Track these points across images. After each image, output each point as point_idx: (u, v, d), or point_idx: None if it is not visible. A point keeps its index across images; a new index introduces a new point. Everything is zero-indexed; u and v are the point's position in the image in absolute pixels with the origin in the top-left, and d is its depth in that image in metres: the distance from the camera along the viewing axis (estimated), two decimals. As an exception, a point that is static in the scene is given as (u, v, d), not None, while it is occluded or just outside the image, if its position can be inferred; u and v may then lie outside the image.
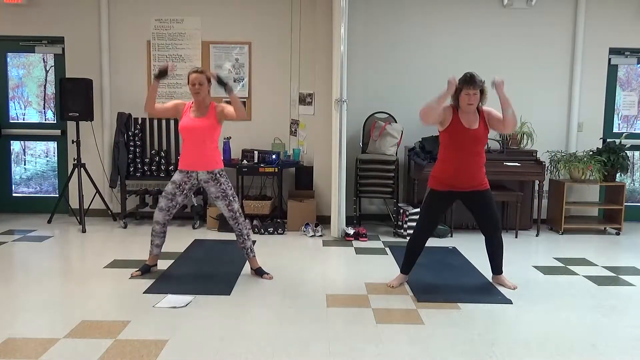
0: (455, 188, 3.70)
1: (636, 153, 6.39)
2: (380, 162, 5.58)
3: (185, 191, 3.91)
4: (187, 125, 3.85)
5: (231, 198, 3.92)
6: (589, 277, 4.15)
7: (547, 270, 4.34)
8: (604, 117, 6.20)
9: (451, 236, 5.45)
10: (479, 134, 3.64)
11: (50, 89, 6.30)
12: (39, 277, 3.97)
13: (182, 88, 6.04)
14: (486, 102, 3.73)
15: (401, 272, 3.93)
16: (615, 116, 6.34)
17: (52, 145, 6.36)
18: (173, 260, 4.40)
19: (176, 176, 3.91)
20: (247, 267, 4.16)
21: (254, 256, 4.06)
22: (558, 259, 4.68)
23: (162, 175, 5.83)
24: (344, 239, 5.26)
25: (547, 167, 5.80)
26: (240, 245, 4.02)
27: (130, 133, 5.87)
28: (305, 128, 6.02)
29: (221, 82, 3.78)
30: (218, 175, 3.89)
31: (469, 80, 3.56)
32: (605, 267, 4.45)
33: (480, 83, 3.59)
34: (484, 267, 4.22)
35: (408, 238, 4.04)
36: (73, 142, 5.63)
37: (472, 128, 3.63)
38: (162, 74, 3.84)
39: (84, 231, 5.43)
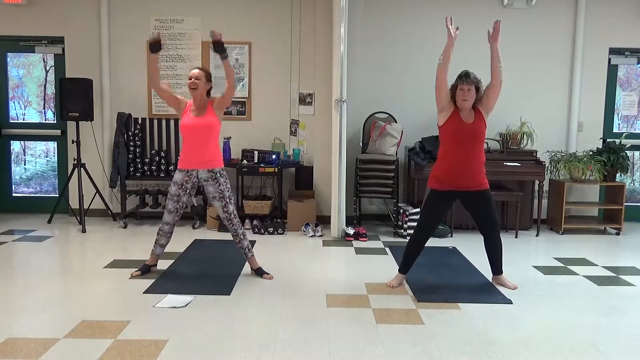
0: (455, 187, 3.71)
1: (636, 153, 6.39)
2: (380, 162, 5.58)
3: (188, 190, 3.94)
4: (187, 124, 3.87)
5: (227, 200, 3.93)
6: (589, 277, 4.15)
7: (547, 270, 4.34)
8: (604, 117, 6.21)
9: (451, 236, 5.45)
10: (476, 128, 3.68)
11: (50, 89, 6.30)
12: (39, 277, 3.97)
13: (182, 88, 6.04)
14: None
15: (399, 271, 3.93)
16: (615, 116, 6.34)
17: (52, 145, 6.36)
18: (173, 260, 4.40)
19: (177, 176, 3.92)
20: (247, 267, 4.17)
21: (253, 255, 4.07)
22: (558, 259, 4.69)
23: (162, 175, 5.83)
24: (344, 239, 5.26)
25: (547, 167, 5.80)
26: (237, 245, 4.04)
27: (130, 133, 5.87)
28: (305, 128, 6.02)
29: (220, 47, 3.73)
30: (218, 175, 3.90)
31: (463, 76, 3.65)
32: (605, 267, 4.45)
33: (475, 79, 3.65)
34: (484, 267, 4.22)
35: (408, 238, 4.04)
36: (73, 142, 5.63)
37: (469, 122, 3.67)
38: (155, 47, 3.79)
39: (84, 231, 5.43)
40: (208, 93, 3.94)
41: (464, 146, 3.65)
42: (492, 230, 3.81)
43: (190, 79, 3.83)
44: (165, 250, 4.14)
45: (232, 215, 3.96)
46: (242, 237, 4.01)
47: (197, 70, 3.86)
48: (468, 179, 3.69)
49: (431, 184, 3.79)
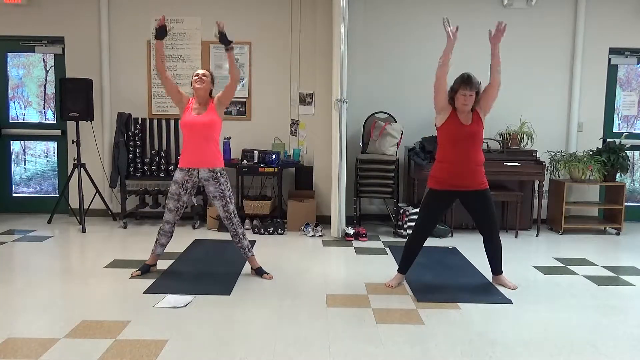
0: (454, 187, 3.71)
1: (636, 153, 6.39)
2: (380, 162, 5.58)
3: (188, 189, 3.96)
4: (188, 122, 3.90)
5: (228, 199, 3.95)
6: (589, 277, 4.15)
7: (547, 270, 4.34)
8: (604, 117, 6.20)
9: (451, 236, 5.45)
10: (474, 129, 3.69)
11: (50, 89, 6.30)
12: (39, 277, 3.97)
13: (183, 88, 6.02)
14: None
15: (399, 271, 3.93)
16: (615, 116, 6.34)
17: (52, 145, 6.36)
18: (173, 260, 4.40)
19: (177, 175, 3.93)
20: (247, 267, 4.17)
21: (253, 255, 4.07)
22: (558, 259, 4.68)
23: (162, 175, 5.83)
24: (344, 239, 5.26)
25: (547, 167, 5.80)
26: (237, 245, 4.04)
27: (130, 133, 5.87)
28: (305, 128, 6.02)
29: (224, 38, 3.80)
30: (219, 174, 3.92)
31: (465, 81, 3.62)
32: (605, 267, 4.45)
33: (477, 85, 3.65)
34: (484, 267, 4.22)
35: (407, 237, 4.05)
36: (73, 142, 5.63)
37: (467, 124, 3.68)
38: (161, 32, 3.87)
39: (84, 231, 5.43)
40: (210, 94, 4.00)
41: (462, 147, 3.66)
42: (491, 230, 3.82)
43: (197, 74, 3.92)
44: (165, 250, 4.14)
45: (232, 215, 3.97)
46: (241, 236, 4.02)
47: (203, 70, 4.00)
48: (467, 179, 3.70)
49: (430, 184, 3.80)
